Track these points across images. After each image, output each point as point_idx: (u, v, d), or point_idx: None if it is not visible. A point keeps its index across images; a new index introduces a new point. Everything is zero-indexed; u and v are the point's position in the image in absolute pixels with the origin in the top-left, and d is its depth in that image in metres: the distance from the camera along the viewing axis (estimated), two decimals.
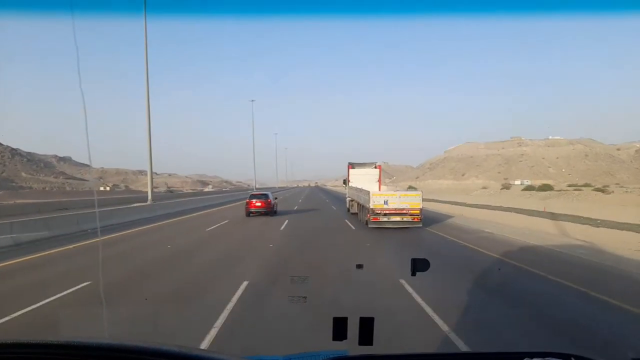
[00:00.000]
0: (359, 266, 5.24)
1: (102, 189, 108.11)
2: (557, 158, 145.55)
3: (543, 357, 1.33)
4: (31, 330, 5.59)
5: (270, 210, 23.97)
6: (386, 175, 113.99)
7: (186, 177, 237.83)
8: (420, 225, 16.98)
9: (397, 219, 16.87)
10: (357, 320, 1.92)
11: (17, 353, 1.23)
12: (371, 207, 16.87)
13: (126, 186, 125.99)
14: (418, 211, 16.90)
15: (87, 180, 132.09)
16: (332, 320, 1.95)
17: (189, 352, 1.25)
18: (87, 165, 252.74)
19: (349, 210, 25.12)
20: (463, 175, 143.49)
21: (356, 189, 22.08)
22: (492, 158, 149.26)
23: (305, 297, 3.48)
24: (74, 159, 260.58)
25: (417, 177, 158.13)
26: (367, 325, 1.91)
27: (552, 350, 1.38)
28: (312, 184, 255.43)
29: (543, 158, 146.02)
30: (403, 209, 16.81)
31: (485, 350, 1.53)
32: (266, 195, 24.82)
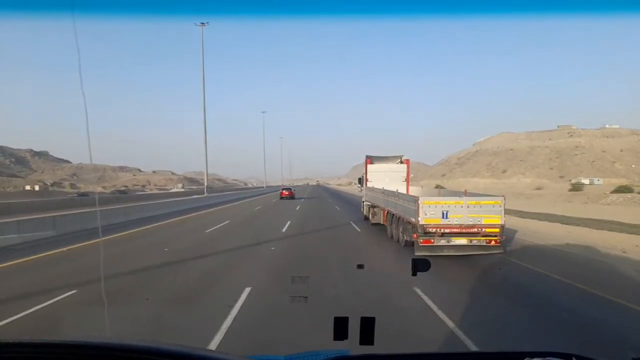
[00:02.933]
0: (360, 266, 6.08)
1: (27, 188, 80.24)
2: (622, 151, 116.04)
3: (544, 356, 1.32)
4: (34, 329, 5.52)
5: (292, 197, 44.56)
6: None
7: (172, 174, 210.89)
8: (501, 252, 10.68)
9: (463, 241, 10.55)
10: (359, 320, 1.92)
11: (20, 352, 1.22)
12: (421, 222, 10.56)
13: (72, 184, 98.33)
14: (497, 229, 10.43)
15: (18, 177, 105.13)
16: (333, 320, 1.95)
17: (191, 351, 1.23)
18: (67, 161, 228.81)
19: (366, 218, 19.37)
20: (504, 172, 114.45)
21: (384, 192, 15.29)
22: (539, 151, 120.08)
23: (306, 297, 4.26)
24: (51, 154, 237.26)
25: (443, 175, 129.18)
26: (368, 325, 1.91)
27: (553, 350, 1.36)
28: (313, 183, 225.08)
29: (603, 151, 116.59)
30: (473, 226, 10.46)
31: (486, 350, 1.48)
32: (290, 189, 50.17)
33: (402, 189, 16.09)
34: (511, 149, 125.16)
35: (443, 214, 10.59)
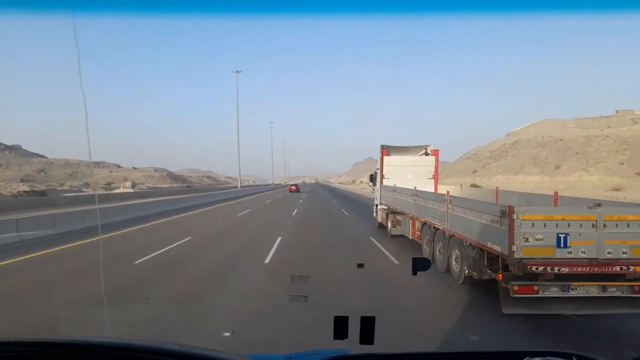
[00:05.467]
0: (360, 265, 6.14)
1: None
2: None
3: (544, 356, 1.32)
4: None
5: (299, 191, 60.35)
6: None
7: (155, 170, 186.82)
8: None
9: (592, 288, 5.64)
10: (358, 320, 1.92)
11: (19, 351, 1.22)
12: (518, 253, 5.75)
13: None
14: None
15: None
16: (333, 319, 1.95)
17: (190, 350, 1.22)
18: (42, 156, 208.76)
19: (382, 226, 15.69)
20: (558, 167, 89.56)
21: (418, 194, 11.12)
22: (599, 141, 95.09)
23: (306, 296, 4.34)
24: (25, 148, 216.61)
25: (474, 172, 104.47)
26: (368, 325, 1.90)
27: (553, 350, 1.36)
28: (311, 181, 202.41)
29: None
30: (614, 262, 5.60)
31: (486, 349, 1.55)
32: (297, 185, 71.32)
33: (429, 188, 13.14)
34: (561, 139, 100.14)
35: (559, 239, 5.71)
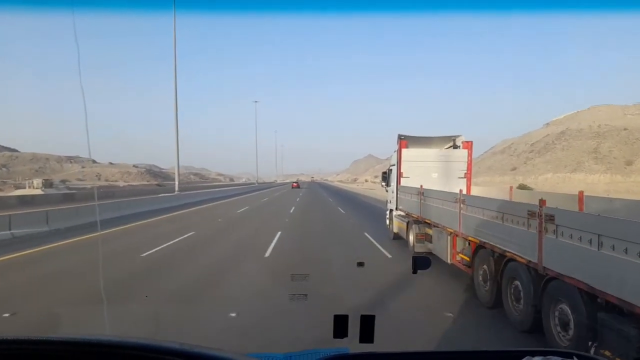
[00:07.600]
0: (360, 264, 6.00)
1: None
2: None
3: (544, 355, 1.32)
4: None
5: (299, 187, 78.44)
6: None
7: (134, 166, 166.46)
8: None
9: None
10: (359, 318, 1.93)
11: (17, 349, 1.23)
12: None
13: None
14: None
15: None
16: (332, 318, 1.97)
17: (190, 348, 1.24)
18: (14, 150, 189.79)
19: (397, 237, 12.83)
20: (630, 164, 69.12)
21: (470, 201, 7.45)
22: None
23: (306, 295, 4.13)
24: None
25: (513, 169, 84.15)
26: (368, 323, 1.91)
27: (554, 349, 1.38)
28: (307, 179, 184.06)
29: None
30: None
31: (486, 349, 1.56)
32: (298, 182, 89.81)
33: (460, 188, 9.03)
34: (624, 129, 79.81)
35: None
